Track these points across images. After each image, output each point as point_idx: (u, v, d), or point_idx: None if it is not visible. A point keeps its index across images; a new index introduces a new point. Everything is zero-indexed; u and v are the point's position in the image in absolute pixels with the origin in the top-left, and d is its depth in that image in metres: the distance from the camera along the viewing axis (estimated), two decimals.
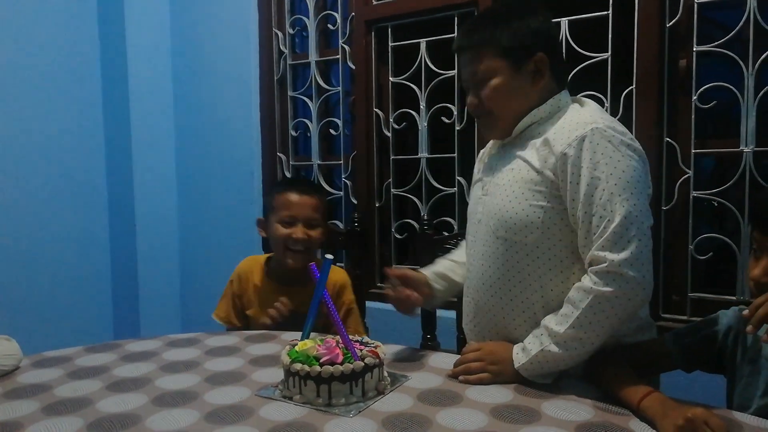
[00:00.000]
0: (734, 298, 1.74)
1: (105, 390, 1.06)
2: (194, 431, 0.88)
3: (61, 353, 1.28)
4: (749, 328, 0.71)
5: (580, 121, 1.06)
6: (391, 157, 2.34)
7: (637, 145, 1.06)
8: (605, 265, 0.99)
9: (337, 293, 1.58)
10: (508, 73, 1.12)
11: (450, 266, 1.35)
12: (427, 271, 1.33)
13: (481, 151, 1.35)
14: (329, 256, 1.08)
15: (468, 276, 1.25)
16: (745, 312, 0.73)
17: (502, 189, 1.13)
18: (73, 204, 2.68)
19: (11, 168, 2.50)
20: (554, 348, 1.03)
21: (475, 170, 1.33)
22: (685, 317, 1.81)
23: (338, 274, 1.62)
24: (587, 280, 1.02)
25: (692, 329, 1.01)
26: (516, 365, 1.06)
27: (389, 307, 1.50)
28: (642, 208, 1.02)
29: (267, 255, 1.68)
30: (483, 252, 1.17)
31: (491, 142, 1.28)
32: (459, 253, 1.38)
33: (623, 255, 0.98)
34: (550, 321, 1.05)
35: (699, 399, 0.92)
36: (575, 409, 0.94)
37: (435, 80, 2.21)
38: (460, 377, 1.08)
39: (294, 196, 1.56)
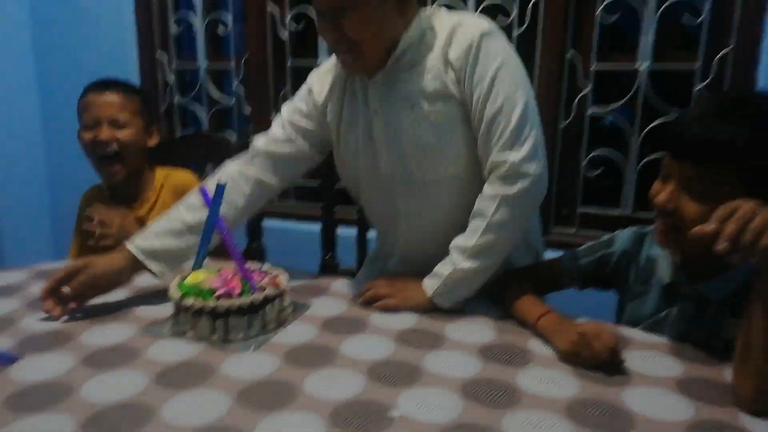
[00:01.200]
0: (618, 212, 1.86)
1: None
2: (70, 379, 0.77)
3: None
4: (723, 245, 0.68)
5: (465, 33, 1.00)
6: (288, 62, 2.16)
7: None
8: (506, 167, 0.98)
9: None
10: (374, 3, 0.96)
11: (171, 229, 1.09)
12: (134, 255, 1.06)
13: (315, 87, 1.15)
14: (223, 182, 0.97)
15: (385, 235, 1.20)
16: (697, 229, 0.70)
17: (410, 132, 1.03)
18: None
19: None
20: (466, 264, 1.01)
21: (328, 118, 1.13)
22: (573, 230, 1.91)
23: (181, 177, 1.49)
24: (490, 188, 1.01)
25: (588, 250, 1.04)
26: (429, 293, 1.03)
27: (288, 225, 1.43)
28: (531, 101, 1.02)
29: (98, 184, 1.52)
30: (409, 204, 1.09)
31: (331, 77, 1.13)
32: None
33: (522, 153, 0.98)
34: (459, 240, 1.03)
35: (591, 315, 0.96)
36: (479, 331, 0.95)
37: None
38: (373, 304, 1.04)
39: (93, 96, 1.39)
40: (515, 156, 0.98)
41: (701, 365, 0.84)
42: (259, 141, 1.19)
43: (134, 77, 2.30)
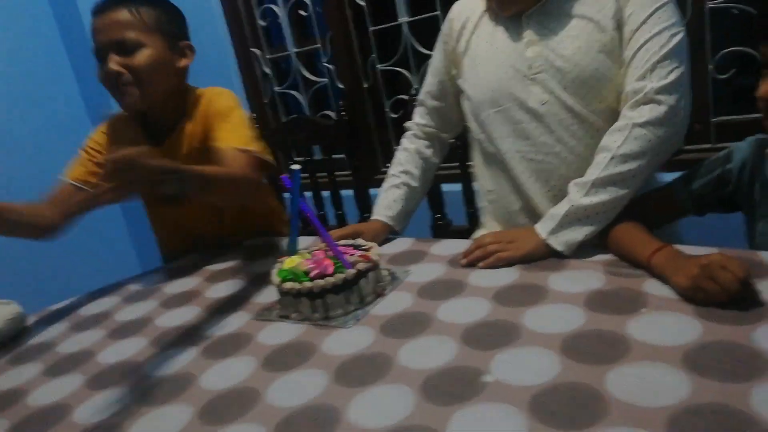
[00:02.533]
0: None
1: (106, 339, 1.04)
2: (190, 370, 0.85)
3: (66, 304, 1.27)
4: None
5: None
6: (370, 29, 2.13)
7: None
8: (642, 94, 0.94)
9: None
10: None
11: (403, 196, 1.26)
12: (383, 216, 1.24)
13: (454, 18, 1.19)
14: (296, 167, 0.98)
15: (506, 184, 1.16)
16: None
17: (570, 60, 1.03)
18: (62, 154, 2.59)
19: None
20: (585, 200, 0.95)
21: (472, 35, 1.15)
22: (709, 145, 1.68)
23: (220, 100, 1.26)
24: (621, 120, 0.97)
25: (703, 170, 0.90)
26: (542, 235, 0.97)
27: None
28: (685, 42, 0.98)
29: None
30: (557, 137, 1.07)
31: (479, 12, 1.15)
32: (403, 170, 1.28)
33: (662, 82, 0.94)
34: (579, 179, 0.97)
35: (718, 245, 0.83)
36: (584, 278, 0.87)
37: None
38: (480, 263, 0.99)
39: (96, 20, 1.15)
40: (654, 84, 0.94)
41: None
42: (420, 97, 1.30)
43: (235, 75, 2.43)
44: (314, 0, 2.22)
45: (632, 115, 0.95)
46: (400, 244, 1.19)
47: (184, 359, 0.89)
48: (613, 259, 0.92)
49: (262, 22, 2.38)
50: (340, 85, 2.26)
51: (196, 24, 2.40)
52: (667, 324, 0.71)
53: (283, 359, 0.83)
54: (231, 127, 1.20)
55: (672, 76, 0.94)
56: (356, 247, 1.02)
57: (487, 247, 1.00)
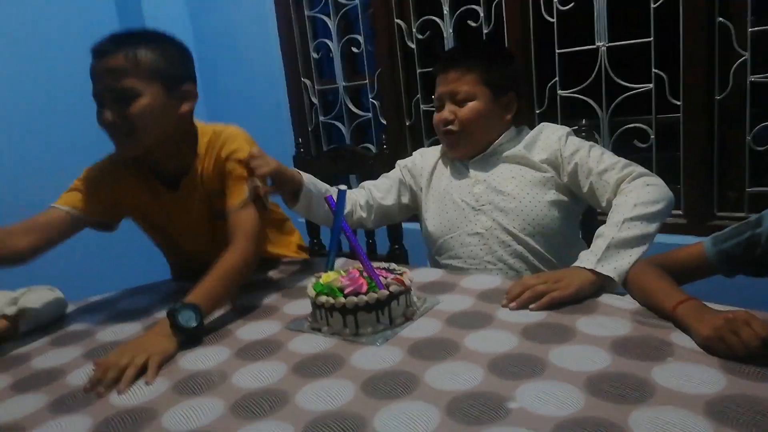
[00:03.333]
0: None
1: (143, 333, 1.09)
2: (224, 369, 0.89)
3: (104, 298, 1.32)
4: None
5: (554, 130, 1.33)
6: (418, 71, 2.22)
7: None
8: (636, 172, 1.17)
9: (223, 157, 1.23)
10: (487, 100, 1.30)
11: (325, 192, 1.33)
12: (307, 179, 1.30)
13: (417, 160, 1.46)
14: (343, 187, 1.04)
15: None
16: None
17: (509, 195, 1.28)
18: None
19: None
20: (623, 233, 1.05)
21: (423, 181, 1.43)
22: (742, 214, 1.69)
23: (231, 138, 1.24)
24: (623, 192, 1.16)
25: (733, 232, 0.93)
26: (589, 266, 1.02)
27: (416, 226, 1.48)
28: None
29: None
30: (498, 257, 1.29)
31: (434, 157, 1.43)
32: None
33: (632, 168, 1.20)
34: (608, 222, 1.10)
35: (744, 306, 0.85)
36: (611, 324, 0.90)
37: None
38: (531, 305, 0.98)
39: (95, 65, 1.10)
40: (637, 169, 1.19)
41: None
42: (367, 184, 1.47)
43: (284, 102, 2.54)
44: (366, 39, 2.33)
45: (635, 184, 1.15)
46: (432, 274, 1.22)
47: (218, 358, 0.93)
48: (641, 308, 0.94)
49: (315, 55, 2.50)
50: (383, 121, 2.35)
51: (253, 51, 2.55)
52: (692, 373, 0.73)
53: (313, 367, 0.86)
54: (236, 178, 1.22)
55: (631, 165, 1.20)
56: (390, 270, 1.06)
57: (535, 288, 1.00)
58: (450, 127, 1.32)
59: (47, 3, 2.49)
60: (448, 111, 1.31)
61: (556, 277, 1.02)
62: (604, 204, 1.20)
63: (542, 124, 1.37)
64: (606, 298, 1.00)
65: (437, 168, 1.42)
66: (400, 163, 1.49)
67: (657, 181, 1.15)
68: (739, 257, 0.92)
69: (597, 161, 1.22)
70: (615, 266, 1.02)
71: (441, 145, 1.43)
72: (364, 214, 1.43)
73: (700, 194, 1.73)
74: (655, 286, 0.90)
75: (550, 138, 1.30)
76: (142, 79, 1.09)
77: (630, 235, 1.05)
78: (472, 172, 1.35)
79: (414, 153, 1.50)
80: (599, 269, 1.01)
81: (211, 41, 2.71)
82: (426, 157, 1.46)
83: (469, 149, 1.35)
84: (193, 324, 0.98)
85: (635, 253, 1.03)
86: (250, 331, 1.03)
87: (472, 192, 1.33)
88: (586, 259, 1.04)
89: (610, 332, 0.87)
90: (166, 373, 0.90)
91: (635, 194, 1.12)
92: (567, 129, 1.32)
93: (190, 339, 0.99)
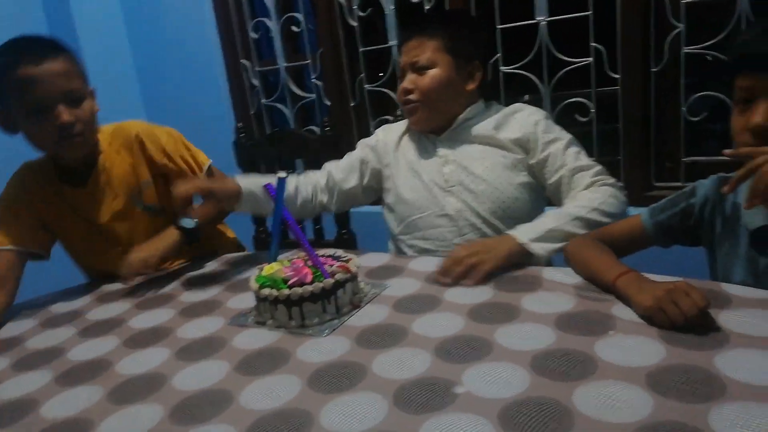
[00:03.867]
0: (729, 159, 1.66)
1: (77, 337, 1.03)
2: (163, 371, 0.85)
3: (37, 301, 1.25)
4: (725, 188, 0.64)
5: (532, 112, 1.28)
6: (360, 50, 2.18)
7: None
8: (609, 181, 1.17)
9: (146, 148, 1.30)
10: (449, 68, 1.24)
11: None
12: (246, 185, 1.22)
13: (380, 136, 1.40)
14: (282, 174, 1.00)
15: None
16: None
17: (479, 177, 1.24)
18: None
19: None
20: (568, 227, 1.07)
21: (388, 157, 1.36)
22: (679, 183, 1.74)
23: (128, 128, 1.31)
24: (597, 188, 1.16)
25: (668, 203, 0.95)
26: (522, 240, 1.06)
27: (375, 210, 1.45)
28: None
29: (36, 160, 1.30)
30: (467, 240, 1.24)
31: (398, 132, 1.37)
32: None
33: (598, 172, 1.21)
34: (562, 209, 1.12)
35: (681, 275, 0.87)
36: (555, 300, 0.90)
37: None
38: (465, 280, 1.01)
39: (34, 70, 1.09)
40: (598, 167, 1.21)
41: None
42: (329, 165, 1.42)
43: (223, 84, 2.45)
44: (307, 17, 2.26)
45: (602, 190, 1.15)
46: (379, 259, 1.20)
47: (157, 360, 0.89)
48: (583, 282, 0.95)
49: (254, 35, 2.41)
50: (327, 102, 2.30)
51: (188, 31, 2.44)
52: (633, 346, 0.74)
53: (257, 364, 0.83)
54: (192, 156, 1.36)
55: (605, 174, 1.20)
56: (336, 258, 1.04)
57: (463, 261, 1.02)
58: (410, 96, 1.27)
59: None
60: (408, 81, 1.27)
61: (487, 247, 1.05)
62: (564, 202, 1.19)
63: (517, 104, 1.32)
64: (548, 273, 1.01)
65: (402, 142, 1.37)
66: (362, 142, 1.43)
67: (621, 196, 1.15)
68: (675, 227, 0.94)
69: (573, 158, 1.20)
70: (545, 248, 1.06)
71: (400, 123, 1.39)
72: (325, 198, 1.38)
73: (638, 165, 1.78)
74: (595, 260, 0.91)
75: (526, 120, 1.26)
76: (82, 80, 1.18)
77: (572, 232, 1.07)
78: (440, 150, 1.30)
79: (377, 130, 1.44)
80: (532, 247, 1.05)
81: (143, 24, 2.57)
82: (390, 132, 1.40)
83: (431, 121, 1.30)
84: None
85: (559, 241, 1.08)
86: (191, 329, 0.99)
87: (441, 172, 1.28)
88: (524, 232, 1.08)
89: (553, 309, 0.88)
90: (101, 381, 0.85)
91: (598, 199, 1.12)
92: (544, 113, 1.28)
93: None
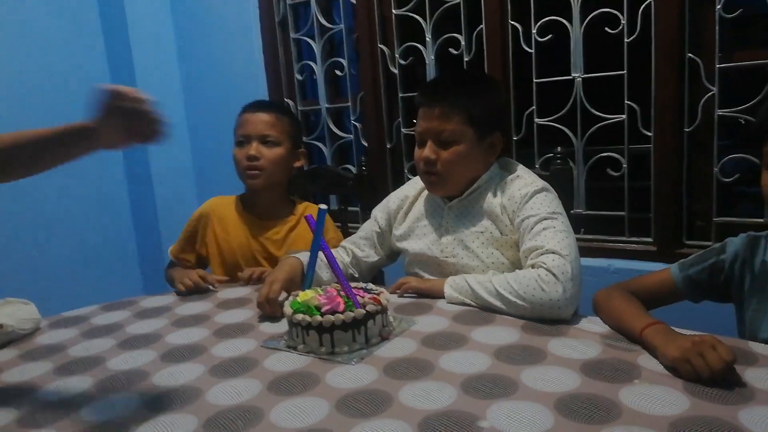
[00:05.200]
0: (762, 220, 1.67)
1: (116, 348, 1.08)
2: (198, 385, 0.88)
3: (78, 313, 1.31)
4: None
5: (524, 185, 1.25)
6: (400, 95, 2.26)
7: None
8: (547, 265, 1.08)
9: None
10: (471, 143, 1.23)
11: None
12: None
13: (402, 194, 1.43)
14: (323, 206, 1.05)
15: None
16: None
17: (473, 252, 1.27)
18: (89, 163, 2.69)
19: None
20: (484, 296, 1.12)
21: (406, 215, 1.40)
22: (710, 243, 1.74)
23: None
24: (532, 269, 1.12)
25: (698, 258, 0.97)
26: (448, 281, 1.18)
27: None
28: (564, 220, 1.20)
29: (236, 195, 1.65)
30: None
31: (414, 192, 1.41)
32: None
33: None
34: (492, 277, 1.14)
35: (709, 331, 0.88)
36: (582, 346, 0.92)
37: (439, 9, 2.10)
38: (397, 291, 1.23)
39: (248, 115, 1.54)
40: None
41: None
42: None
43: None
44: (350, 62, 2.37)
45: (533, 272, 1.10)
46: (409, 295, 1.23)
47: (192, 374, 0.93)
48: (610, 331, 0.96)
49: (299, 76, 2.53)
50: (364, 143, 2.37)
51: (237, 69, 2.57)
52: (657, 395, 0.75)
53: (287, 385, 0.86)
54: None
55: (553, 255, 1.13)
56: (368, 290, 1.07)
57: (400, 282, 1.25)
58: (431, 168, 1.26)
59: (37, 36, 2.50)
60: (430, 150, 1.24)
61: (425, 282, 1.26)
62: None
63: (521, 169, 1.31)
64: (576, 321, 1.03)
65: (416, 204, 1.40)
66: (376, 211, 1.46)
67: (553, 282, 1.05)
68: (704, 282, 0.96)
69: (535, 235, 1.16)
70: (457, 298, 1.16)
71: (417, 180, 1.39)
72: (356, 273, 1.42)
73: (670, 223, 1.79)
74: (623, 310, 0.93)
75: (518, 192, 1.24)
76: (280, 133, 1.57)
77: (484, 298, 1.12)
78: (445, 219, 1.32)
79: (386, 198, 1.46)
80: (449, 290, 1.18)
81: (197, 64, 2.72)
82: (400, 195, 1.43)
83: (447, 190, 1.31)
84: None
85: (469, 299, 1.15)
86: (225, 348, 1.03)
87: (440, 241, 1.31)
88: (452, 279, 1.19)
89: (580, 354, 0.89)
90: (138, 388, 0.89)
91: (522, 280, 1.08)
92: (541, 184, 1.24)
93: None
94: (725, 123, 1.69)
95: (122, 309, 1.31)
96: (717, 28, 1.62)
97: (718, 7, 1.61)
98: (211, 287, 1.40)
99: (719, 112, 1.67)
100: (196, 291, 1.38)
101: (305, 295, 1.03)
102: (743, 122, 1.65)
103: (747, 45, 1.66)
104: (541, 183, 1.26)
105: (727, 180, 1.69)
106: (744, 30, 1.73)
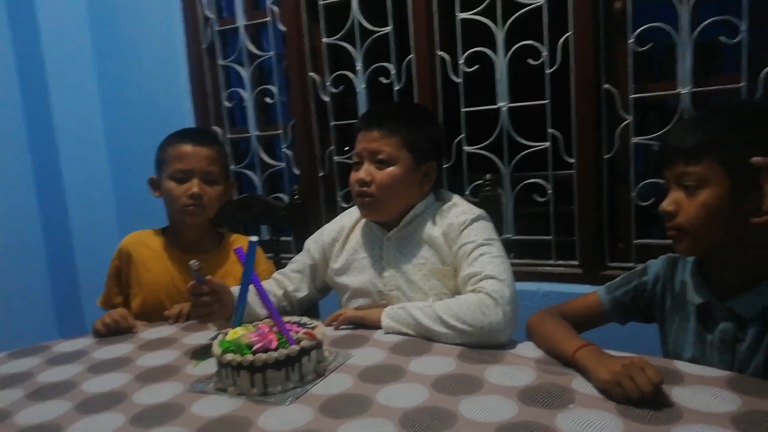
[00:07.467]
0: None
1: (25, 399, 0.98)
2: None
3: None
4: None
5: (460, 213, 1.27)
6: (331, 123, 2.26)
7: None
8: (486, 290, 1.10)
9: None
10: (407, 167, 1.25)
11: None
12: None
13: (338, 226, 1.40)
14: (254, 238, 1.01)
15: None
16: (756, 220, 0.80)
17: (416, 285, 1.26)
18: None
19: None
20: (427, 322, 1.11)
21: (343, 248, 1.37)
22: (631, 264, 1.83)
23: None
24: (474, 294, 1.13)
25: (623, 281, 1.01)
26: (386, 310, 1.17)
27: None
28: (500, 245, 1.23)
29: (156, 229, 1.55)
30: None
31: (350, 223, 1.39)
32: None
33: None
34: (434, 304, 1.13)
35: (637, 352, 0.91)
36: (517, 373, 0.92)
37: (370, 39, 2.12)
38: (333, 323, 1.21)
39: (187, 148, 1.42)
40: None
41: (759, 398, 0.77)
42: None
43: None
44: (281, 90, 2.34)
45: (476, 297, 1.11)
46: (344, 328, 1.21)
47: (111, 426, 0.86)
48: (544, 356, 0.98)
49: (227, 103, 2.47)
50: (296, 171, 2.34)
51: (162, 94, 2.48)
52: (592, 419, 0.76)
53: (217, 431, 0.81)
54: None
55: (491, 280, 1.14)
56: (302, 324, 1.04)
57: (336, 315, 1.23)
58: (365, 189, 1.26)
59: None
60: (365, 172, 1.25)
61: (360, 311, 1.23)
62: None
63: (456, 198, 1.33)
64: (510, 346, 1.04)
65: (353, 234, 1.38)
66: (308, 244, 1.42)
67: (493, 306, 1.06)
68: (629, 304, 0.99)
69: (472, 262, 1.18)
70: (395, 324, 1.15)
71: (353, 210, 1.39)
72: (288, 307, 1.38)
73: (593, 246, 1.86)
74: (555, 334, 0.95)
75: (455, 219, 1.25)
76: (221, 169, 1.50)
77: (425, 325, 1.11)
78: (385, 249, 1.31)
79: (320, 230, 1.44)
80: (388, 321, 1.16)
81: (119, 90, 2.60)
82: (335, 227, 1.41)
83: (383, 215, 1.30)
84: None
85: (409, 328, 1.14)
86: (148, 394, 0.96)
87: (382, 275, 1.29)
88: (390, 309, 1.18)
89: (515, 382, 0.89)
90: None
91: (464, 304, 1.09)
92: (477, 213, 1.27)
93: None
94: (640, 150, 1.79)
95: (32, 355, 1.20)
96: (630, 60, 1.73)
97: (631, 41, 1.72)
98: (132, 328, 1.30)
99: (634, 139, 1.77)
100: (116, 331, 1.29)
101: (235, 333, 0.98)
102: (656, 148, 1.76)
103: (661, 76, 1.78)
104: (477, 211, 1.28)
105: (644, 203, 1.79)
106: (656, 61, 1.85)
